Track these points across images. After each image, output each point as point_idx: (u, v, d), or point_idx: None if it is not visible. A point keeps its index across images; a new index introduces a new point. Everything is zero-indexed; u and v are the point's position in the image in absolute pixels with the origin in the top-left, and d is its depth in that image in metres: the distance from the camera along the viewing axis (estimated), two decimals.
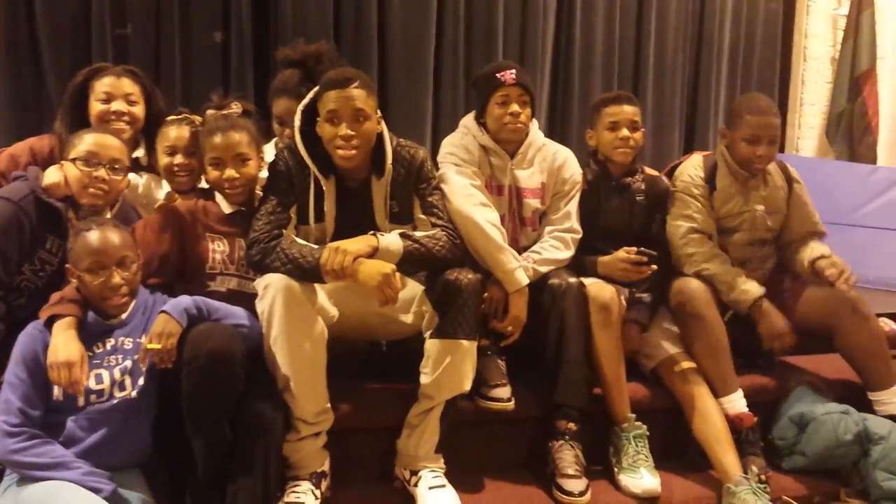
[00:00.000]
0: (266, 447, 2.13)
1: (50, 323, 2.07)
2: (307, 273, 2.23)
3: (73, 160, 2.29)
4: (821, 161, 5.60)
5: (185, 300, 2.13)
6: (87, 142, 2.32)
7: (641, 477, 2.49)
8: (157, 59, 4.60)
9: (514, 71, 2.62)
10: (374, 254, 2.24)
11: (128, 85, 2.64)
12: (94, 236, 2.12)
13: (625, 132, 2.78)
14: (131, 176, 2.54)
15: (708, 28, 5.47)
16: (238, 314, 2.23)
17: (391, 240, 2.29)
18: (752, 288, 2.75)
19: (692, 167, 2.94)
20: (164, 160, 2.57)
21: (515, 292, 2.52)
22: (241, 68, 4.59)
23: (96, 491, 1.95)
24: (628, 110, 2.80)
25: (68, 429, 2.05)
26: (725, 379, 2.66)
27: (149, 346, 2.04)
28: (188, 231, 2.41)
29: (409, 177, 2.46)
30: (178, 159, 2.55)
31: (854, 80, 5.52)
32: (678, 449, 2.74)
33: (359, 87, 2.34)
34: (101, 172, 2.28)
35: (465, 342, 2.31)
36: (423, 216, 2.45)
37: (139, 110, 2.66)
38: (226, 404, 2.08)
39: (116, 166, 2.33)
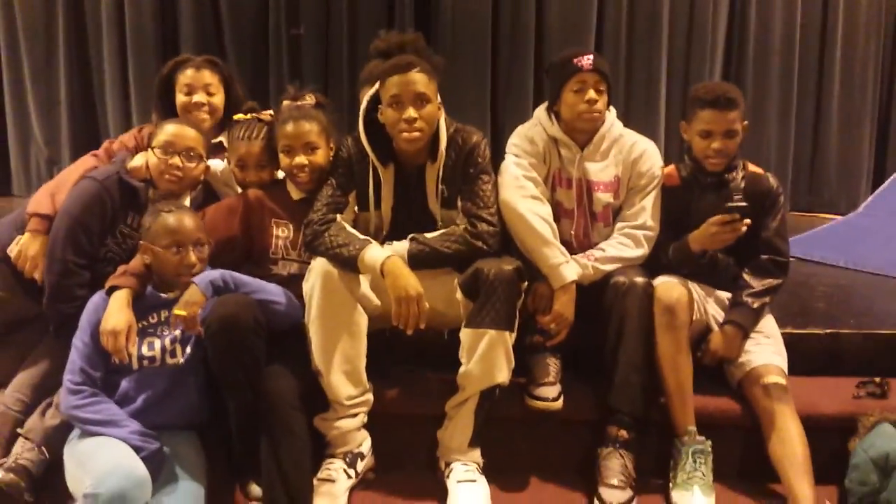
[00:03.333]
0: (282, 421, 2.22)
1: (111, 292, 2.31)
2: (346, 263, 2.31)
3: (153, 148, 2.53)
4: None
5: (214, 273, 2.29)
6: (165, 132, 2.54)
7: (693, 495, 2.30)
8: (326, 56, 4.94)
9: (591, 56, 2.50)
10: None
11: (207, 76, 2.83)
12: (172, 218, 2.33)
13: (718, 144, 2.52)
14: (214, 162, 2.75)
15: None
16: (271, 290, 2.35)
17: (397, 247, 2.35)
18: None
19: None
20: (236, 173, 2.68)
21: (560, 289, 2.43)
22: None
23: (138, 449, 2.13)
24: (727, 118, 2.51)
25: (121, 388, 2.28)
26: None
27: (175, 311, 2.22)
28: (255, 218, 2.57)
29: (458, 161, 2.46)
30: (251, 175, 2.66)
31: None
32: (756, 471, 2.48)
33: (420, 72, 2.38)
34: (176, 160, 2.49)
35: (493, 332, 2.27)
36: (460, 202, 2.44)
37: (218, 100, 2.85)
38: (241, 366, 2.21)
39: (192, 154, 2.52)
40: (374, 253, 2.29)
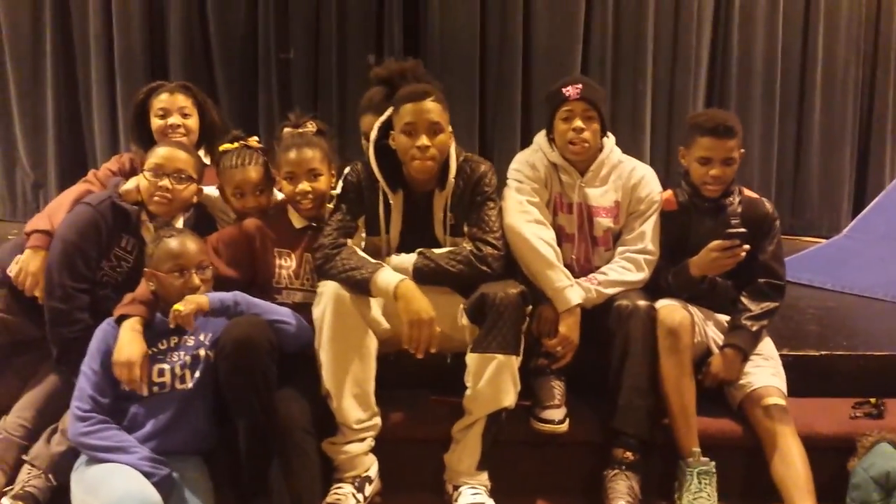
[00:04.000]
0: (294, 445, 2.23)
1: (120, 321, 2.31)
2: (358, 286, 2.34)
3: (144, 171, 2.54)
4: None
5: (226, 294, 2.32)
6: (156, 154, 2.55)
7: None
8: (315, 79, 4.96)
9: (580, 85, 2.55)
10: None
11: (181, 99, 2.85)
12: (174, 243, 2.34)
13: (716, 171, 2.58)
14: (210, 189, 2.76)
15: (884, 37, 4.99)
16: (281, 312, 2.37)
17: (405, 258, 2.38)
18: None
19: None
20: (234, 203, 2.67)
21: (566, 311, 2.47)
22: None
23: (149, 475, 2.12)
24: (726, 146, 2.56)
25: (131, 415, 2.27)
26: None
27: (175, 307, 2.23)
28: (257, 251, 2.58)
29: (466, 190, 2.50)
30: (250, 202, 2.66)
31: None
32: (759, 492, 2.52)
33: (434, 101, 2.43)
34: (165, 182, 2.50)
35: (500, 356, 2.30)
36: (466, 227, 2.48)
37: (193, 122, 2.87)
38: (254, 388, 2.21)
39: (182, 176, 2.53)
40: (387, 276, 2.32)
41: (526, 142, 4.77)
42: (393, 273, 2.34)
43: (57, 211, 2.58)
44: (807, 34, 5.06)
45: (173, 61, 4.87)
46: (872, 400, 2.68)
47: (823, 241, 4.62)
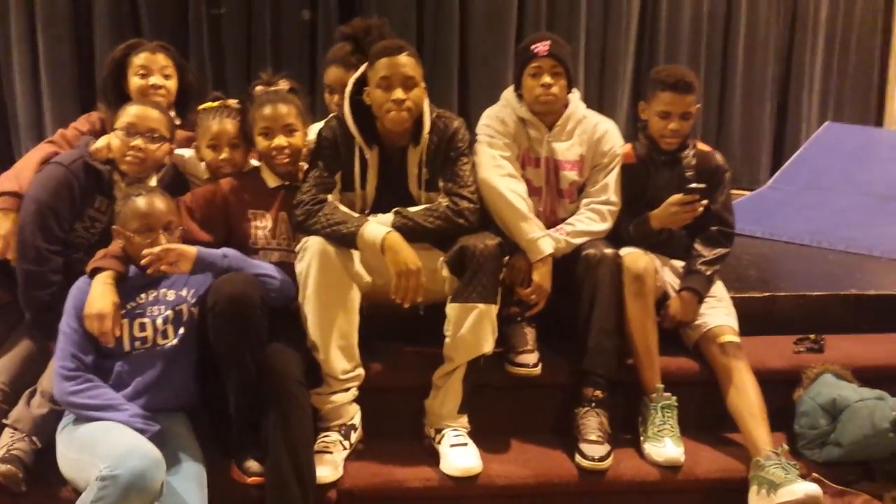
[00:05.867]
0: (290, 396, 2.28)
1: (93, 275, 2.29)
2: (345, 239, 2.39)
3: (116, 130, 2.50)
4: None
5: (217, 251, 2.35)
6: (128, 113, 2.51)
7: (665, 446, 2.51)
8: (248, 36, 4.86)
9: (547, 42, 2.64)
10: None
11: (162, 59, 2.81)
12: (142, 202, 2.32)
13: (675, 125, 2.71)
14: (183, 151, 2.74)
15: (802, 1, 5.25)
16: (266, 267, 2.41)
17: (382, 219, 2.44)
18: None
19: None
20: (208, 155, 2.66)
21: (539, 261, 2.58)
22: (327, 45, 4.75)
23: (142, 431, 2.12)
24: (685, 100, 2.70)
25: (115, 372, 2.26)
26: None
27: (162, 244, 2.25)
28: (232, 211, 2.60)
29: (440, 145, 2.56)
30: (224, 154, 2.64)
31: None
32: (714, 423, 2.72)
33: (409, 56, 2.48)
34: (138, 142, 2.47)
35: (481, 305, 2.39)
36: (441, 183, 2.54)
37: (173, 84, 2.83)
38: (248, 344, 2.25)
39: (155, 136, 2.51)
40: (374, 229, 2.37)
41: (464, 105, 4.90)
42: (379, 226, 2.39)
43: (23, 171, 2.52)
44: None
45: (98, 18, 4.67)
46: (812, 336, 2.91)
47: (747, 192, 4.90)
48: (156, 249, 2.24)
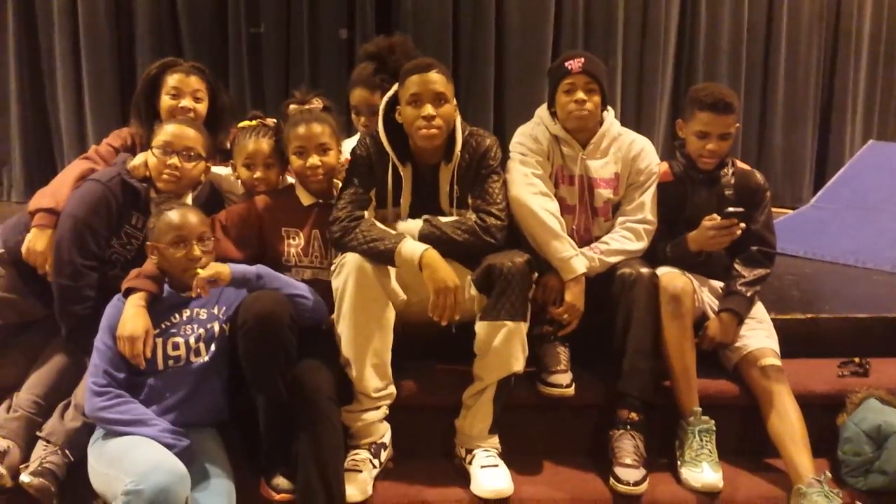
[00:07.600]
0: (321, 412, 2.26)
1: (127, 295, 2.31)
2: (382, 256, 2.38)
3: (152, 148, 2.52)
4: None
5: (250, 267, 2.35)
6: (164, 132, 2.54)
7: (702, 471, 2.44)
8: (287, 55, 4.92)
9: (581, 59, 2.61)
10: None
11: (195, 82, 2.79)
12: (174, 214, 2.34)
13: (713, 145, 2.67)
14: (219, 169, 2.75)
15: (846, 13, 5.18)
16: (299, 286, 2.41)
17: (411, 224, 2.44)
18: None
19: None
20: (243, 173, 2.70)
21: (571, 280, 2.54)
22: None
23: (170, 447, 2.13)
24: (724, 121, 2.66)
25: (147, 388, 2.27)
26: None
27: (199, 271, 2.26)
28: (265, 229, 2.61)
29: (472, 163, 2.54)
30: (258, 173, 2.68)
31: None
32: (754, 448, 2.64)
33: (439, 73, 2.48)
34: (174, 160, 2.49)
35: (510, 323, 2.36)
36: (470, 199, 2.53)
37: (203, 107, 2.81)
38: (276, 362, 2.25)
39: (191, 154, 2.52)
40: (412, 246, 2.36)
41: (499, 125, 4.89)
42: (417, 243, 2.38)
43: (61, 188, 2.54)
44: (771, 14, 5.20)
45: (140, 38, 4.78)
46: (857, 359, 2.82)
47: (789, 211, 4.80)
48: (203, 274, 2.25)
